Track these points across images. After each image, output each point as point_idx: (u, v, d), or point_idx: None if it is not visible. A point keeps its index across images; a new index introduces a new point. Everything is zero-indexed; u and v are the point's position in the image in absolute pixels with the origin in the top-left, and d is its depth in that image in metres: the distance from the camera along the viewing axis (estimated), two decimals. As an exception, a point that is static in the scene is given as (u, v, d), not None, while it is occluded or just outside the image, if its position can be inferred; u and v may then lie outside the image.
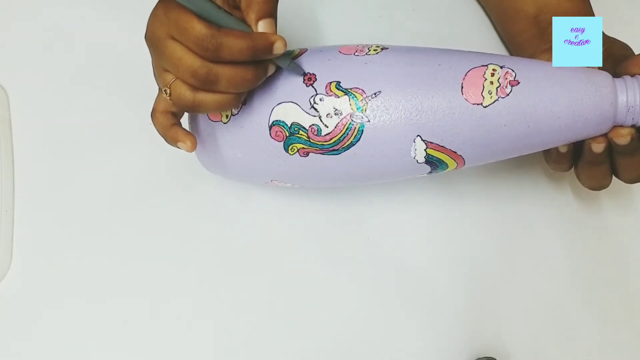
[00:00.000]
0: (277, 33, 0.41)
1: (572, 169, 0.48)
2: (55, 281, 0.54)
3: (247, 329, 0.54)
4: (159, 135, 0.45)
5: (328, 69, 0.44)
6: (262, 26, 0.40)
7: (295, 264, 0.55)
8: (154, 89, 0.44)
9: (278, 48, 0.40)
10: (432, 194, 0.57)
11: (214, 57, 0.38)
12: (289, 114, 0.43)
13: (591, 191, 0.50)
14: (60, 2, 0.60)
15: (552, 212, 0.57)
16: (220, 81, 0.39)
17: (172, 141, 0.44)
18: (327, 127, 0.43)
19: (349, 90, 0.43)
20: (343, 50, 0.45)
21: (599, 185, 0.48)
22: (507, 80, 0.41)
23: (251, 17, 0.40)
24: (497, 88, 0.41)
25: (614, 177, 0.47)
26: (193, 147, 0.43)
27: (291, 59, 0.43)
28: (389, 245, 0.56)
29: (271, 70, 0.43)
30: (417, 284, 0.55)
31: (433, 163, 0.44)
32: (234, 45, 0.38)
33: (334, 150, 0.43)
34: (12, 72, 0.59)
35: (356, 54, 0.44)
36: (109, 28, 0.60)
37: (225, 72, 0.39)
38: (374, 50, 0.45)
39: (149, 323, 0.53)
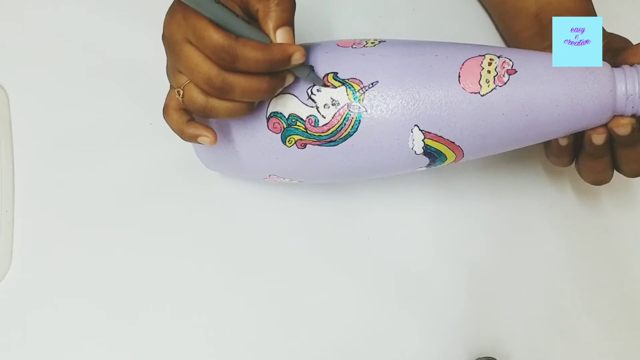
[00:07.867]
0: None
1: (573, 164, 0.48)
2: (55, 281, 0.54)
3: (245, 327, 0.53)
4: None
5: (325, 61, 0.44)
6: (280, 34, 0.40)
7: (295, 263, 0.55)
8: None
9: (296, 59, 0.40)
10: (432, 192, 0.57)
11: (230, 67, 0.38)
12: (287, 105, 0.43)
13: (591, 188, 0.50)
14: (61, 2, 0.61)
15: (551, 209, 0.57)
16: (234, 91, 0.39)
17: (192, 137, 0.43)
18: (325, 117, 0.43)
19: (346, 80, 0.43)
20: (341, 44, 0.45)
21: (600, 179, 0.47)
22: (505, 69, 0.41)
23: (269, 26, 0.40)
24: (494, 77, 0.41)
25: (615, 173, 0.46)
26: (215, 140, 0.42)
27: (310, 69, 0.43)
28: (389, 245, 0.56)
29: (289, 80, 0.42)
30: (417, 283, 0.55)
31: (431, 154, 0.43)
32: (251, 57, 0.38)
33: (331, 141, 0.43)
34: (12, 72, 0.59)
35: (354, 46, 0.45)
36: (109, 28, 0.60)
37: (240, 82, 0.39)
38: (372, 43, 0.45)
39: (149, 321, 0.53)
